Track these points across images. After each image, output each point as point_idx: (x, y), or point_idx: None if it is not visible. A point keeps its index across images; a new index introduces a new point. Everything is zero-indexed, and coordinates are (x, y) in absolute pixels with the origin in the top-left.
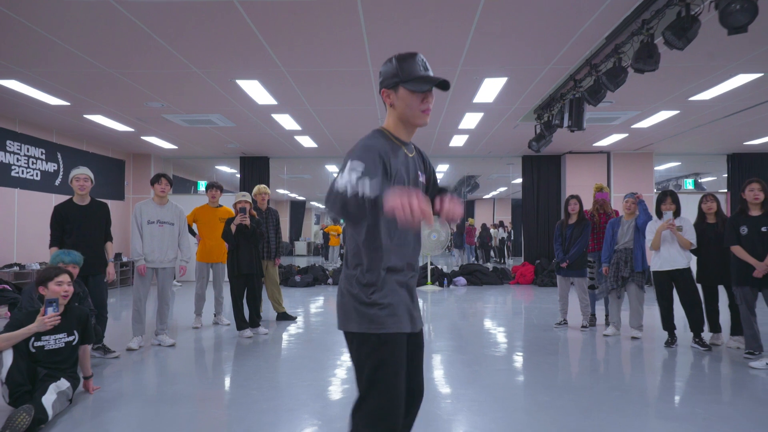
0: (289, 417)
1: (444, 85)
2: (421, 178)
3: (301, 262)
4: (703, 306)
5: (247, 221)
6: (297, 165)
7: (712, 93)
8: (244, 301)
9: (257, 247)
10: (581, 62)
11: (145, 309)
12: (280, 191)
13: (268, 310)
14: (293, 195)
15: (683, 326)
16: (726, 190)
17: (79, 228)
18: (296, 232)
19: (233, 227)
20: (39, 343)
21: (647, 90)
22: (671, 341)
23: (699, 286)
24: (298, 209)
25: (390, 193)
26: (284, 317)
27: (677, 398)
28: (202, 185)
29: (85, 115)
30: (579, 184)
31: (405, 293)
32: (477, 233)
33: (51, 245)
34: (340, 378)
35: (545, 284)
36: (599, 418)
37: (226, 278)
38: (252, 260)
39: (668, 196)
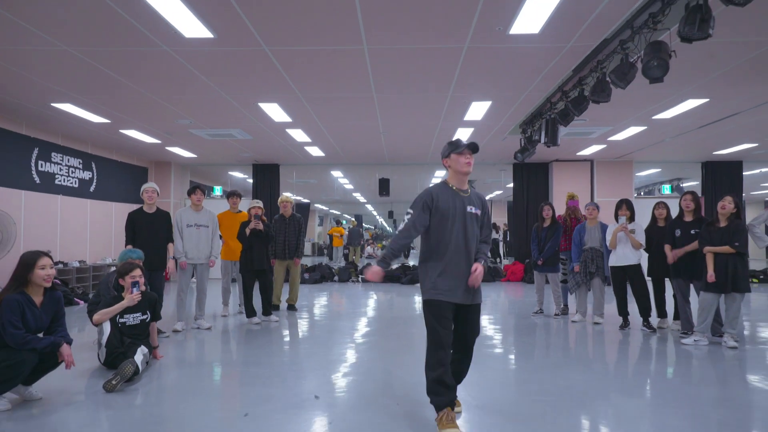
0: (301, 369)
1: (473, 147)
2: (472, 210)
3: (306, 262)
4: (653, 295)
5: (260, 226)
6: (305, 171)
7: (671, 113)
8: (254, 293)
9: (267, 247)
10: (555, 89)
11: (187, 297)
12: (286, 194)
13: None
14: (298, 197)
15: (636, 312)
16: (701, 195)
17: (147, 231)
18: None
19: (248, 231)
20: (122, 320)
21: (614, 111)
22: (625, 325)
23: (650, 279)
24: (302, 212)
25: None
26: (292, 308)
27: (629, 369)
28: (217, 190)
29: (120, 130)
30: (565, 190)
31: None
32: None
33: (126, 244)
34: (338, 354)
35: (533, 281)
36: (565, 385)
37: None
38: (263, 258)
39: (624, 204)
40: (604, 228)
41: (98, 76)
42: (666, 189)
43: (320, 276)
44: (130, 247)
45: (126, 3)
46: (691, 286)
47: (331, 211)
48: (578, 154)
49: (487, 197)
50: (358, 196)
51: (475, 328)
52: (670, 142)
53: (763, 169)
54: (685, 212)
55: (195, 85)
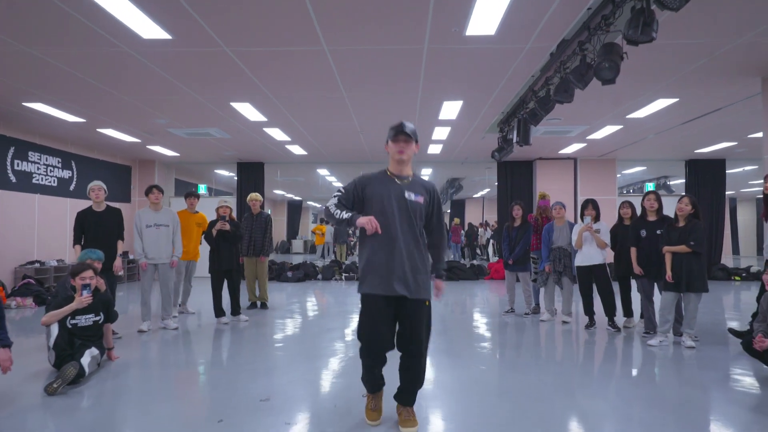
0: (269, 374)
1: (403, 131)
2: (412, 197)
3: (297, 260)
4: (618, 295)
5: (227, 227)
6: (290, 169)
7: (644, 112)
8: (224, 293)
9: (236, 247)
10: (525, 88)
11: (150, 298)
12: (278, 192)
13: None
14: (290, 195)
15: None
16: (684, 192)
17: (96, 230)
18: (293, 231)
19: (215, 231)
20: (74, 321)
21: (588, 110)
22: (591, 324)
23: (616, 278)
24: (294, 209)
25: (360, 220)
26: (264, 306)
27: (593, 368)
28: (202, 188)
29: (98, 129)
30: (548, 188)
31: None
32: (463, 232)
33: (74, 244)
34: (305, 354)
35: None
36: (529, 386)
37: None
38: (231, 258)
39: (590, 203)
40: (572, 227)
41: (65, 76)
42: (650, 187)
43: (304, 274)
44: (78, 247)
45: (79, 6)
46: (656, 285)
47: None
48: (561, 152)
49: (480, 194)
50: None
51: (415, 329)
52: (652, 140)
53: (746, 167)
54: (649, 212)
55: (164, 85)
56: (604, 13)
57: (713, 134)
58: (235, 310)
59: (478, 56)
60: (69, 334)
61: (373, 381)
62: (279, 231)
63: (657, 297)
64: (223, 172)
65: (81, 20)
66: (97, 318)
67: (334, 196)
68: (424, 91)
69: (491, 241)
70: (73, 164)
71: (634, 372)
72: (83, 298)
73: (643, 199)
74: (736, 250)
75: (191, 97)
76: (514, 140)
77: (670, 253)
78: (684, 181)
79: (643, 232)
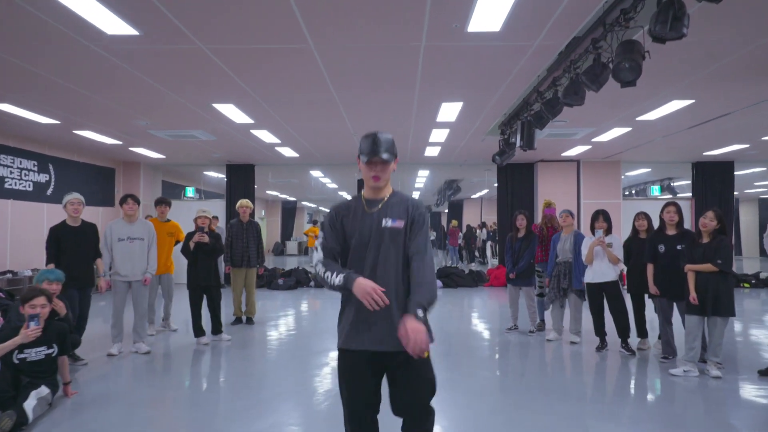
0: (249, 414)
1: (378, 153)
2: (389, 224)
3: (292, 262)
4: (632, 313)
5: (206, 239)
6: (282, 171)
7: (656, 114)
8: (204, 310)
9: (215, 261)
10: (530, 89)
11: (122, 319)
12: (271, 193)
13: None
14: (284, 196)
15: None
16: (691, 196)
17: (73, 247)
18: (287, 233)
19: (192, 244)
20: (22, 356)
21: (596, 112)
22: (602, 346)
23: (629, 296)
24: (289, 210)
25: (357, 288)
26: (250, 321)
27: (609, 399)
28: (190, 191)
29: (74, 131)
30: (550, 191)
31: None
32: (461, 234)
33: (47, 263)
34: (293, 384)
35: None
36: (537, 420)
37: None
38: (210, 272)
39: (600, 215)
40: (578, 238)
41: (30, 76)
42: (655, 190)
43: (295, 281)
44: (52, 266)
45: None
46: (675, 306)
47: (320, 208)
48: (563, 154)
49: (478, 195)
50: (345, 195)
51: (413, 387)
52: (659, 142)
53: (756, 169)
54: (668, 225)
55: (137, 84)
56: (624, 6)
57: (725, 136)
58: (216, 328)
59: (481, 54)
60: (15, 371)
61: None
62: (273, 233)
63: (675, 317)
64: (212, 174)
65: (37, 15)
66: (50, 351)
67: (317, 249)
68: (422, 91)
69: (488, 242)
70: (51, 167)
71: (657, 407)
72: (29, 332)
73: (661, 211)
74: (738, 251)
75: (170, 98)
76: (518, 144)
77: (693, 272)
78: (689, 182)
79: (662, 248)
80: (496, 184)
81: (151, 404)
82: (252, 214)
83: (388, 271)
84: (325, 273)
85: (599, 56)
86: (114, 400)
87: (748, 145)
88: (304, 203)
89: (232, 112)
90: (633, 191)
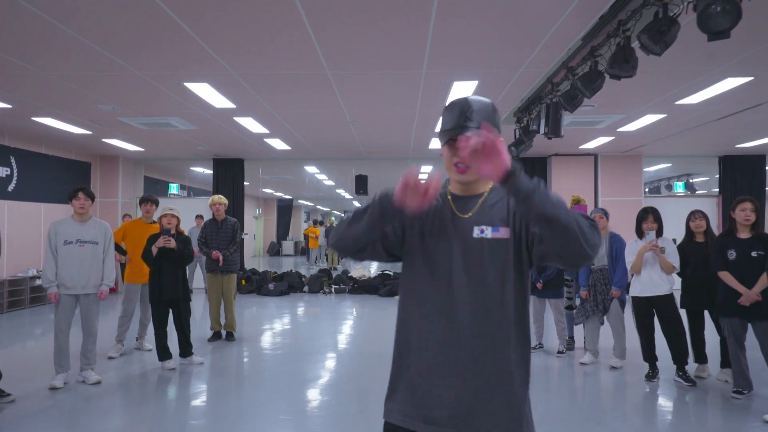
0: None
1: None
2: (490, 234)
3: (288, 263)
4: (688, 334)
5: (172, 243)
6: (274, 166)
7: (700, 97)
8: (170, 328)
9: (183, 269)
10: (558, 64)
11: (68, 342)
12: (267, 191)
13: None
14: (279, 194)
15: (667, 355)
16: (718, 192)
17: None
18: (283, 232)
19: (154, 249)
20: None
21: (631, 94)
22: (652, 374)
23: (683, 312)
24: (285, 208)
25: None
26: (230, 337)
27: None
28: (174, 188)
29: (33, 118)
30: (565, 188)
31: None
32: None
33: None
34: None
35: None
36: None
37: None
38: (177, 284)
39: (650, 214)
40: (614, 240)
41: None
42: (679, 187)
43: (288, 286)
44: None
45: None
46: (750, 326)
47: (317, 207)
48: (581, 147)
49: None
50: (343, 193)
51: None
52: (688, 133)
53: None
54: (740, 226)
55: (88, 56)
56: None
57: (766, 124)
58: (185, 350)
59: (506, 16)
60: None
61: None
62: (269, 232)
63: (749, 341)
64: (198, 170)
65: None
66: None
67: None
68: (430, 66)
69: None
70: (13, 160)
71: None
72: None
73: (734, 209)
74: None
75: (132, 75)
76: (541, 131)
77: None
78: (707, 179)
79: (732, 254)
80: None
81: None
82: (233, 211)
83: (487, 309)
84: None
85: (665, 7)
86: None
87: None
88: (301, 201)
89: (208, 93)
90: (646, 189)
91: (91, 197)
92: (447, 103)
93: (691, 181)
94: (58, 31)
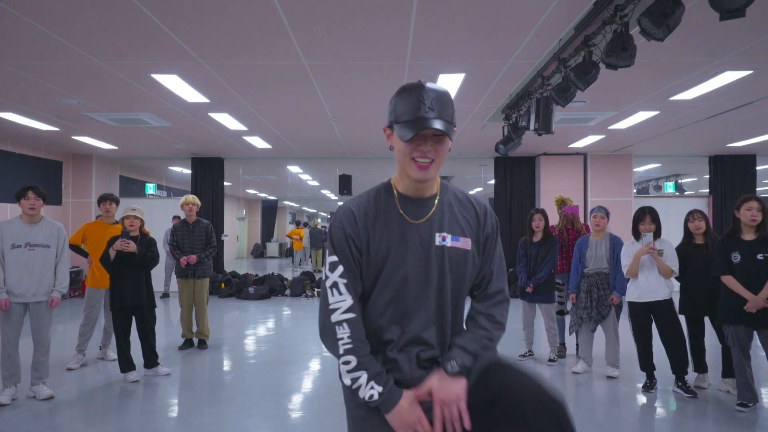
0: None
1: (434, 119)
2: (446, 242)
3: (272, 265)
4: (687, 342)
5: (132, 248)
6: (255, 166)
7: (695, 92)
8: (134, 337)
9: (148, 274)
10: (548, 56)
11: (17, 353)
12: (251, 192)
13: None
14: (263, 195)
15: (666, 364)
16: (708, 193)
17: None
18: (268, 233)
19: (113, 252)
20: None
21: (623, 89)
22: (650, 384)
23: (682, 318)
24: (269, 210)
25: (395, 416)
26: (203, 345)
27: None
28: (151, 188)
29: None
30: (554, 188)
31: None
32: None
33: None
34: None
35: (517, 296)
36: None
37: None
38: (140, 290)
39: (647, 214)
40: (615, 242)
41: None
42: (669, 187)
43: (268, 290)
44: None
45: None
46: (756, 335)
47: (303, 208)
48: (570, 146)
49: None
50: (328, 193)
51: None
52: (680, 131)
53: None
54: (745, 227)
55: (46, 44)
56: None
57: (760, 122)
58: (150, 360)
59: (493, 2)
60: None
61: None
62: (253, 233)
63: (754, 350)
64: (177, 169)
65: None
66: None
67: (335, 294)
68: (414, 58)
69: None
70: None
71: None
72: None
73: (738, 208)
74: None
75: (94, 65)
76: (531, 127)
77: None
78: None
79: (736, 257)
80: (491, 182)
81: None
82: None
83: (445, 323)
84: (354, 371)
85: None
86: None
87: None
88: (286, 203)
89: (178, 86)
90: (635, 190)
91: (43, 197)
92: (400, 88)
93: (680, 181)
94: (15, 18)
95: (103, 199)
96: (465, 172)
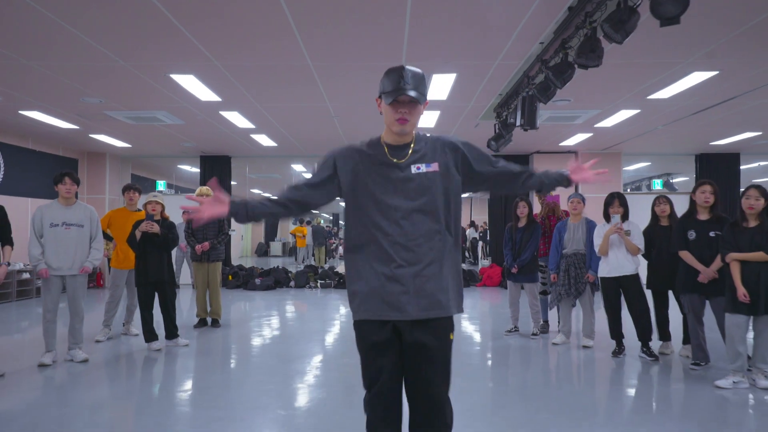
0: None
1: (409, 89)
2: (420, 170)
3: (275, 263)
4: (653, 313)
5: (155, 228)
6: (261, 164)
7: (670, 91)
8: (155, 311)
9: (168, 253)
10: (532, 58)
11: (56, 321)
12: (255, 191)
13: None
14: (267, 195)
15: (634, 334)
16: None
17: None
18: (271, 233)
19: (138, 233)
20: None
21: (604, 88)
22: (619, 351)
23: (649, 292)
24: None
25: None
26: (216, 323)
27: (622, 415)
28: (161, 185)
29: (20, 111)
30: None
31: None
32: None
33: None
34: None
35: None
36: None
37: None
38: (161, 266)
39: (616, 199)
40: (591, 226)
41: None
42: (657, 184)
43: (274, 281)
44: None
45: None
46: (707, 303)
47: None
48: (561, 144)
49: (464, 195)
50: None
51: (427, 370)
52: (664, 130)
53: (762, 162)
54: (700, 208)
55: (78, 46)
56: None
57: (737, 121)
58: (171, 332)
59: (479, 7)
60: None
61: None
62: (257, 233)
63: (707, 317)
64: (186, 168)
65: None
66: None
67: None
68: (409, 59)
69: (480, 243)
70: (0, 155)
71: (702, 425)
72: None
73: (694, 191)
74: None
75: (118, 66)
76: (517, 123)
77: (738, 263)
78: (688, 179)
79: (692, 234)
80: None
81: (71, 424)
82: None
83: (419, 228)
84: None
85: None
86: (23, 419)
87: (760, 133)
88: None
89: (194, 85)
90: (627, 189)
91: (77, 182)
92: (387, 70)
93: (672, 181)
94: (48, 21)
95: (127, 189)
96: None
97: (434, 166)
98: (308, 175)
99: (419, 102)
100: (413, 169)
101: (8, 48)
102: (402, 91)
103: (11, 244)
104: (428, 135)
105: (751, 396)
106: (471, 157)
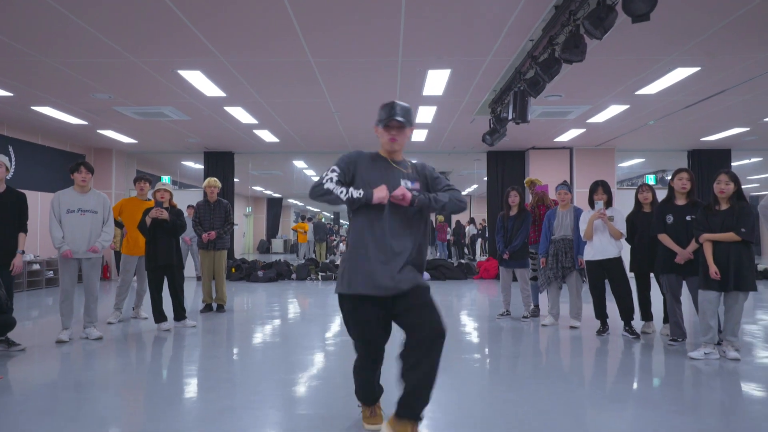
0: (209, 410)
1: (397, 116)
2: (411, 186)
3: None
4: (636, 294)
5: (164, 215)
6: (263, 160)
7: (657, 87)
8: (164, 294)
9: (177, 239)
10: (523, 54)
11: (73, 301)
12: (257, 189)
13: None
14: (269, 192)
15: (617, 315)
16: None
17: None
18: (273, 230)
19: (148, 220)
20: None
21: (593, 84)
22: (603, 330)
23: (632, 275)
24: (274, 206)
25: (375, 195)
26: (221, 309)
27: (605, 380)
28: (166, 180)
29: (32, 107)
30: (542, 180)
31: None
32: (449, 230)
33: None
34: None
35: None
36: (531, 402)
37: None
38: (171, 251)
39: (600, 186)
40: (578, 213)
41: None
42: (651, 179)
43: (276, 274)
44: None
45: None
46: (684, 283)
47: (308, 207)
48: (556, 140)
49: (467, 191)
50: None
51: (419, 320)
52: (655, 126)
53: (753, 159)
54: (678, 194)
55: (90, 43)
56: None
57: (726, 117)
58: (179, 313)
59: (467, 5)
60: None
61: (368, 390)
62: (259, 229)
63: (684, 297)
64: (190, 164)
65: None
66: None
67: (330, 174)
68: (405, 55)
69: (479, 239)
70: (11, 150)
71: (670, 389)
72: None
73: (672, 179)
74: None
75: (129, 62)
76: (510, 117)
77: (710, 243)
78: None
79: (670, 218)
80: (485, 179)
81: (88, 391)
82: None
83: (404, 228)
84: (339, 190)
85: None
86: (44, 387)
87: (748, 128)
88: (291, 201)
89: (200, 81)
90: (624, 184)
91: (91, 171)
92: (381, 105)
93: (666, 177)
94: (62, 16)
95: (138, 179)
96: (461, 167)
97: (416, 185)
98: (310, 172)
99: (405, 126)
100: (403, 183)
101: (22, 42)
102: (392, 117)
103: (26, 231)
104: (414, 162)
105: (720, 365)
106: (430, 179)
